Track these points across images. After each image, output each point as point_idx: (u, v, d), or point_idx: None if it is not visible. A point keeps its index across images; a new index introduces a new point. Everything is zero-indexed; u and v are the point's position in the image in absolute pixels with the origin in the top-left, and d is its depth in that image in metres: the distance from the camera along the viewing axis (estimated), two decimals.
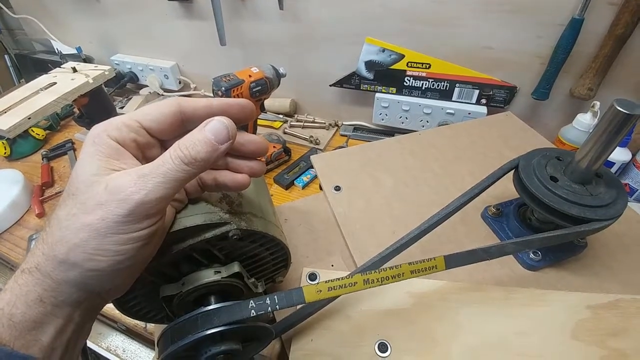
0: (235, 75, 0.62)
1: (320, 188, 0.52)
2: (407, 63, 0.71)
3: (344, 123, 0.87)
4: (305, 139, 0.82)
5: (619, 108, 0.30)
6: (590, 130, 0.58)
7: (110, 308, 0.55)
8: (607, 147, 0.32)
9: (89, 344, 0.58)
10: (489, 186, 0.38)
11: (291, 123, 0.87)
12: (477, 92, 0.70)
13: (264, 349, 0.35)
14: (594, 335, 0.33)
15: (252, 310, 0.25)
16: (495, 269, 0.40)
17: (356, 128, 0.85)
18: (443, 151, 0.55)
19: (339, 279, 0.27)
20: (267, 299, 0.26)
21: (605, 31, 0.57)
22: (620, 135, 0.32)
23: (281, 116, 0.90)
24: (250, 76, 0.62)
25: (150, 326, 0.52)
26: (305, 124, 0.86)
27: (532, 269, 0.40)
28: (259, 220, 0.31)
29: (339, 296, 0.32)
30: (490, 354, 0.33)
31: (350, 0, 0.70)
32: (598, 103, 0.58)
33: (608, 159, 0.59)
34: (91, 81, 0.69)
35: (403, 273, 0.28)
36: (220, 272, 0.29)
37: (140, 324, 0.53)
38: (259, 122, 0.70)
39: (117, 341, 0.60)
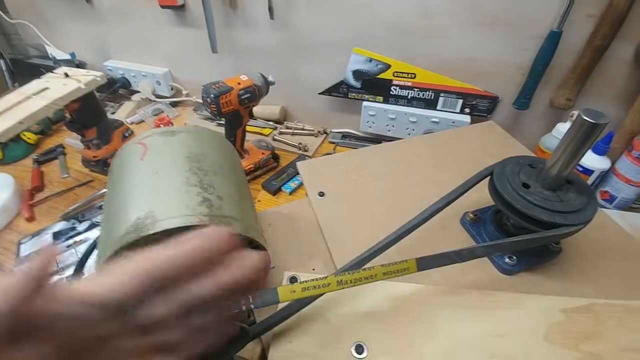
0: (225, 83, 0.63)
1: (307, 194, 0.53)
2: (394, 73, 0.73)
3: (332, 130, 0.89)
4: (294, 146, 0.83)
5: (585, 117, 0.32)
6: None
7: None
8: (575, 154, 0.34)
9: None
10: (464, 192, 0.39)
11: (280, 130, 0.88)
12: (460, 101, 0.71)
13: (245, 352, 0.35)
14: (567, 339, 0.34)
15: None
16: (472, 274, 0.41)
17: (344, 135, 0.87)
18: (426, 159, 0.56)
19: (313, 279, 0.28)
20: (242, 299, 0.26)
21: (583, 43, 0.58)
22: (587, 144, 0.33)
23: (271, 123, 0.91)
24: (239, 84, 0.63)
25: None
26: (294, 131, 0.88)
27: (508, 273, 0.40)
28: (239, 223, 0.32)
29: (314, 297, 0.33)
30: (464, 354, 0.33)
31: (339, 11, 0.72)
32: (577, 112, 0.60)
33: (587, 167, 0.61)
34: (83, 86, 0.69)
35: (376, 274, 0.29)
36: None
37: None
38: (248, 129, 0.72)
39: None
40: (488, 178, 0.41)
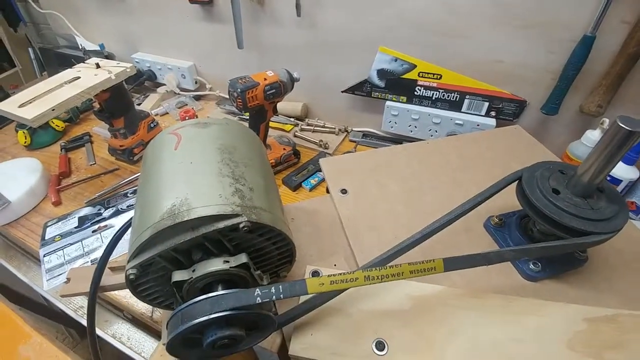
0: (251, 78, 0.64)
1: (327, 191, 0.53)
2: (419, 73, 0.72)
3: (353, 129, 0.89)
4: (314, 143, 0.83)
5: (621, 124, 0.31)
6: None
7: (117, 296, 0.57)
8: (609, 162, 0.33)
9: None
10: (491, 195, 0.39)
11: (302, 127, 0.89)
12: (486, 104, 0.71)
13: (265, 342, 0.36)
14: (590, 347, 0.34)
15: (258, 297, 0.26)
16: (494, 279, 0.40)
17: (365, 135, 0.87)
18: (450, 161, 0.56)
19: (341, 273, 0.28)
20: (272, 288, 0.27)
21: (617, 49, 0.57)
22: (622, 151, 0.32)
23: (292, 119, 0.92)
24: (265, 79, 0.64)
25: (157, 315, 0.54)
26: (315, 128, 0.88)
27: (532, 280, 0.40)
28: (268, 215, 0.32)
29: (340, 291, 0.33)
30: (484, 358, 0.33)
31: (365, 10, 0.72)
32: (607, 120, 0.59)
33: (615, 176, 0.60)
34: (113, 77, 0.71)
35: (403, 272, 0.29)
36: (229, 261, 0.30)
37: (146, 313, 0.54)
38: (270, 124, 0.72)
39: (123, 329, 0.62)
40: (515, 182, 0.40)
